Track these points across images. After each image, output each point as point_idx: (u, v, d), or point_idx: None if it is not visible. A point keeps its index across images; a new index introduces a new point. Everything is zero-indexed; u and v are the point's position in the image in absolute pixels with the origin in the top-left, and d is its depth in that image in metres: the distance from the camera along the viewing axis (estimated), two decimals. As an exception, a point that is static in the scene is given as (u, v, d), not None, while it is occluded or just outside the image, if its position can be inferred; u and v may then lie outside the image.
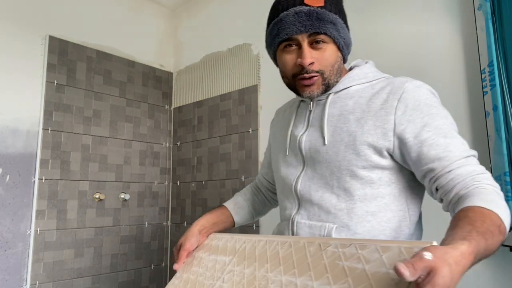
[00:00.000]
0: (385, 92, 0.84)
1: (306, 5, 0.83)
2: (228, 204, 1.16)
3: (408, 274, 0.47)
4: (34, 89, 1.87)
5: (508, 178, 1.13)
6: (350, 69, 0.96)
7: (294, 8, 0.84)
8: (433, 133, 0.78)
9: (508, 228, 0.67)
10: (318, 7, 0.83)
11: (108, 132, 2.13)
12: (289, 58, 0.88)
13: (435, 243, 0.53)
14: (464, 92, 1.34)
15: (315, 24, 0.83)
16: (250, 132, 1.99)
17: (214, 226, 1.08)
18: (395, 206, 0.84)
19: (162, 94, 2.44)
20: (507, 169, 1.14)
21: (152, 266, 2.24)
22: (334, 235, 0.83)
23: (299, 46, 0.86)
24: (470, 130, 1.31)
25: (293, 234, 0.90)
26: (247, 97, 2.04)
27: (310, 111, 0.95)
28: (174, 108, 2.48)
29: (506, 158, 1.14)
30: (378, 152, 0.82)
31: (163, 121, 2.42)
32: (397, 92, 0.82)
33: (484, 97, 1.23)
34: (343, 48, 0.88)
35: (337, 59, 0.88)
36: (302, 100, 1.00)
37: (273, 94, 1.94)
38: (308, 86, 0.87)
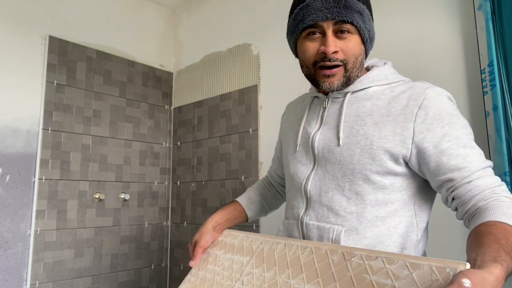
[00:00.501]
0: (405, 97, 0.82)
1: None
2: (241, 200, 1.16)
3: None
4: (34, 89, 1.87)
5: (508, 178, 1.13)
6: (367, 69, 0.94)
7: None
8: (453, 143, 0.77)
9: None
10: None
11: (108, 132, 2.13)
12: (312, 45, 0.85)
13: (468, 266, 0.53)
14: (464, 92, 1.34)
15: (343, 11, 0.80)
16: (250, 132, 1.99)
17: (227, 222, 1.08)
18: (403, 212, 0.83)
19: (162, 94, 2.44)
20: (507, 169, 1.14)
21: (152, 266, 2.24)
22: (343, 238, 0.82)
23: (323, 34, 0.83)
24: (470, 130, 1.31)
25: (303, 236, 0.89)
26: (247, 97, 2.04)
27: (324, 108, 0.93)
28: (174, 108, 2.48)
29: (506, 158, 1.14)
30: (395, 159, 0.81)
31: (163, 121, 2.42)
32: (418, 98, 0.80)
33: (484, 97, 1.23)
34: (367, 41, 0.86)
35: (361, 51, 0.86)
36: (316, 96, 0.97)
37: (273, 94, 1.94)
38: (329, 77, 0.84)
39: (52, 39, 1.94)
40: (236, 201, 1.15)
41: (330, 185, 0.86)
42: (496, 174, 1.15)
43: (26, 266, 1.76)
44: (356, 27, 0.83)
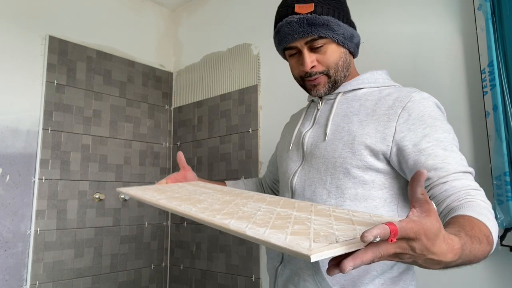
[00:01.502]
0: (391, 99, 0.86)
1: (297, 13, 0.87)
2: (228, 182, 1.23)
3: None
4: (34, 89, 1.87)
5: (508, 178, 1.13)
6: None
7: (286, 18, 0.89)
8: (433, 144, 0.79)
9: (495, 241, 0.67)
10: (307, 13, 0.86)
11: (108, 132, 2.12)
12: (295, 64, 0.94)
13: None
14: (464, 92, 1.34)
15: (307, 30, 0.87)
16: (250, 132, 1.99)
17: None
18: (385, 211, 0.84)
19: (162, 94, 2.44)
20: (507, 169, 1.14)
21: (152, 266, 2.24)
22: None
23: (300, 52, 0.91)
24: (470, 130, 1.31)
25: None
26: (247, 97, 2.04)
27: (318, 109, 0.99)
28: (174, 108, 2.48)
29: (506, 158, 1.14)
30: (374, 154, 0.83)
31: (163, 121, 2.42)
32: (403, 100, 0.84)
33: (484, 97, 1.23)
34: (345, 43, 0.91)
35: (341, 55, 0.91)
36: (312, 100, 1.04)
37: (273, 94, 1.94)
38: (315, 86, 0.93)
39: (52, 39, 1.94)
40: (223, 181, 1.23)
41: (314, 179, 0.90)
42: (496, 174, 1.16)
43: (26, 266, 1.76)
44: (326, 38, 0.88)
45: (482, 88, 1.24)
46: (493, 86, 1.19)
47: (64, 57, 1.98)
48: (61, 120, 1.94)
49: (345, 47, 0.91)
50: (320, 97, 0.99)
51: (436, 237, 0.50)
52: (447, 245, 0.53)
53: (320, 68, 0.90)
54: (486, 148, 1.24)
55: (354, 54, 0.96)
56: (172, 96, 2.49)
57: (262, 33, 2.03)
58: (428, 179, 0.77)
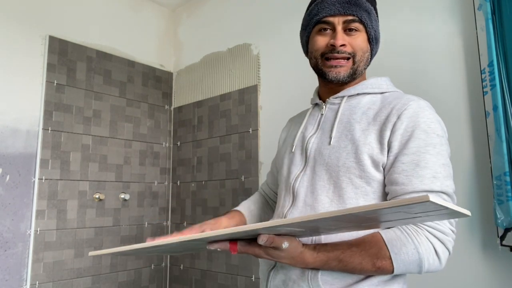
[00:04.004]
0: (390, 107, 0.86)
1: None
2: (243, 209, 1.15)
3: (263, 239, 0.70)
4: (34, 89, 1.87)
5: (508, 178, 1.13)
6: None
7: None
8: (410, 158, 0.80)
9: (393, 270, 0.76)
10: None
11: (108, 132, 2.12)
12: (322, 39, 0.93)
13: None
14: (464, 92, 1.34)
15: (352, 8, 0.89)
16: (250, 132, 1.99)
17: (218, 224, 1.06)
18: None
19: (162, 94, 2.44)
20: (507, 169, 1.14)
21: (152, 266, 2.24)
22: (323, 238, 0.83)
23: (334, 30, 0.91)
24: (470, 130, 1.31)
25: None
26: (247, 97, 2.03)
27: (322, 114, 0.98)
28: (174, 108, 2.48)
29: (506, 158, 1.14)
30: (376, 165, 0.84)
31: (163, 121, 2.42)
32: (400, 109, 0.84)
33: (484, 97, 1.23)
34: (373, 40, 0.93)
35: (367, 48, 0.93)
36: (316, 104, 1.03)
37: (273, 94, 1.94)
38: (335, 67, 0.91)
39: (52, 39, 1.94)
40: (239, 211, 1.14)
41: (317, 186, 0.89)
42: (496, 174, 1.16)
43: (26, 266, 1.76)
44: (363, 24, 0.90)
45: (482, 88, 1.24)
46: (493, 86, 1.19)
47: (64, 57, 1.98)
48: (61, 120, 1.94)
49: (370, 45, 0.94)
50: (338, 80, 0.92)
51: (280, 257, 0.75)
52: (291, 260, 0.77)
53: (349, 48, 0.90)
54: (486, 148, 1.24)
55: (371, 57, 0.97)
56: (172, 96, 2.49)
57: (262, 33, 2.03)
58: (389, 193, 0.82)
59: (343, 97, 0.94)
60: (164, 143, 2.40)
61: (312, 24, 0.94)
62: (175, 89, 2.49)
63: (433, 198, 0.47)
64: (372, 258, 0.76)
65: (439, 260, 0.77)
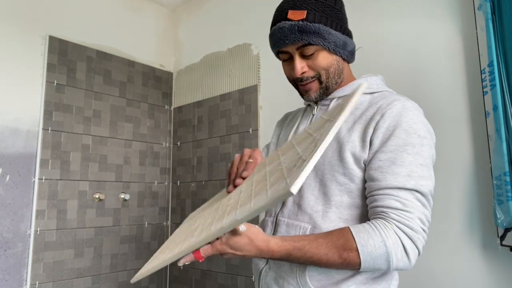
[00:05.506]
0: (376, 106, 0.87)
1: (289, 19, 0.88)
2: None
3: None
4: (34, 89, 1.87)
5: (508, 178, 1.13)
6: None
7: (279, 23, 0.90)
8: (388, 156, 0.80)
9: (361, 263, 0.76)
10: (299, 20, 0.87)
11: (108, 132, 2.12)
12: (287, 68, 0.96)
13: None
14: (464, 92, 1.34)
15: (298, 36, 0.88)
16: (250, 132, 1.99)
17: None
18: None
19: (162, 94, 2.44)
20: (507, 169, 1.14)
21: (152, 266, 2.24)
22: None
23: (293, 57, 0.92)
24: (470, 130, 1.31)
25: (274, 232, 0.93)
26: (247, 97, 2.04)
27: (313, 115, 1.00)
28: (174, 108, 2.48)
29: (506, 158, 1.14)
30: (357, 162, 0.85)
31: (163, 121, 2.42)
32: (385, 108, 0.85)
33: (484, 97, 1.23)
34: (336, 50, 0.91)
35: (332, 62, 0.92)
36: (309, 104, 1.05)
37: (273, 94, 1.94)
38: (306, 91, 0.95)
39: (52, 39, 1.94)
40: None
41: (304, 184, 0.90)
42: (496, 174, 1.16)
43: (26, 266, 1.76)
44: (317, 44, 0.89)
45: (482, 88, 1.24)
46: (493, 86, 1.19)
47: (64, 57, 1.98)
48: (61, 120, 1.94)
49: (337, 55, 0.92)
50: (315, 102, 1.00)
51: (243, 246, 0.75)
52: (256, 249, 0.76)
53: (311, 73, 0.92)
54: (486, 148, 1.24)
55: (348, 60, 0.97)
56: (172, 96, 2.49)
57: (262, 33, 2.03)
58: (366, 188, 0.84)
59: (333, 98, 0.97)
60: (164, 143, 2.40)
61: (275, 54, 0.98)
62: (175, 89, 2.49)
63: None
64: (339, 249, 0.76)
65: (408, 257, 0.76)
